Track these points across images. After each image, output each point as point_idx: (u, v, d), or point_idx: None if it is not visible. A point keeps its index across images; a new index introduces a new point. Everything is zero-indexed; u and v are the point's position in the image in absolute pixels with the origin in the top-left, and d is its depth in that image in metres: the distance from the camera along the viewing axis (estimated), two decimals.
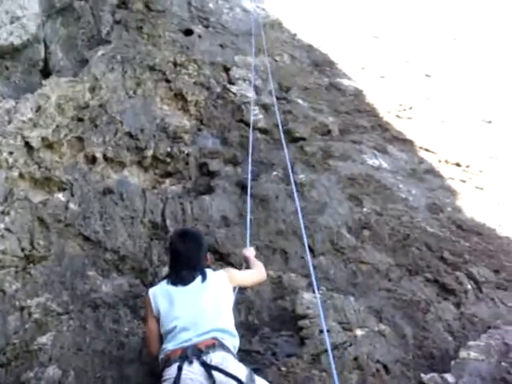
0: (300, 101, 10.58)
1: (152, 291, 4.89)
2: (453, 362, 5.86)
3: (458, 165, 9.67)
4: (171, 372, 4.27)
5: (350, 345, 5.81)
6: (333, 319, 6.00)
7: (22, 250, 6.19)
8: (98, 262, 6.51)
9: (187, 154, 8.46)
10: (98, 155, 7.83)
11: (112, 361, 5.34)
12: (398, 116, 10.79)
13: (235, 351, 4.62)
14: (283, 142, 8.42)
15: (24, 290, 5.82)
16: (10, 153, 7.11)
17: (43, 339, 5.32)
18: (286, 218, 7.55)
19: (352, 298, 6.49)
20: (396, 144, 9.97)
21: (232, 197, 7.97)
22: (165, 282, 4.94)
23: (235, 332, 4.73)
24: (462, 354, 5.94)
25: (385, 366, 5.72)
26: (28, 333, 5.41)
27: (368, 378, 5.56)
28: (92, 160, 7.80)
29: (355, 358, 5.69)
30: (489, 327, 6.39)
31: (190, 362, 4.26)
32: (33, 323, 5.50)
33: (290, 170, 7.75)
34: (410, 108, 11.18)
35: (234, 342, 4.65)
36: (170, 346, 4.50)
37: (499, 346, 6.01)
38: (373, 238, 7.62)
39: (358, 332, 5.99)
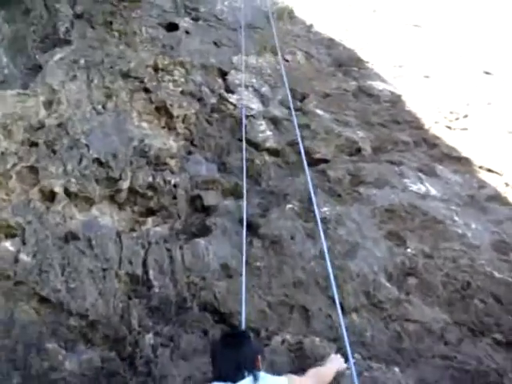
0: (320, 111, 10.58)
1: None
2: None
3: None
4: None
5: None
6: None
7: None
8: (60, 331, 6.47)
9: (174, 185, 8.46)
10: (58, 190, 7.83)
11: None
12: (449, 127, 10.76)
13: None
14: (304, 162, 8.37)
15: None
16: None
17: None
18: (306, 265, 7.49)
19: (397, 369, 6.44)
20: (448, 164, 9.93)
21: (234, 239, 7.93)
22: None
23: None
24: None
25: None
26: None
27: None
28: (50, 197, 7.79)
29: None
30: None
31: None
32: None
33: (313, 200, 7.72)
34: (465, 116, 11.15)
35: None
36: None
37: None
38: (421, 288, 7.55)
39: None
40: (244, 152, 8.78)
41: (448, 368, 6.66)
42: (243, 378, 4.81)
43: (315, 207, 7.58)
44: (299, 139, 9.02)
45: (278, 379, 5.04)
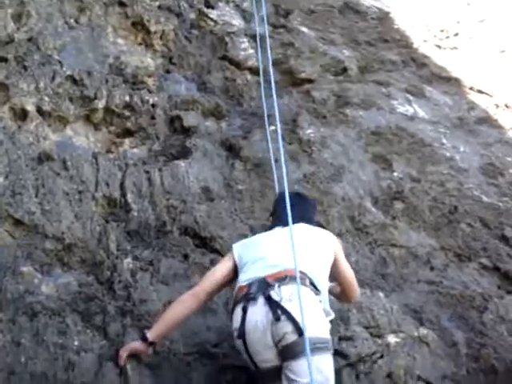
0: (304, 29, 10.60)
1: (238, 242, 5.93)
2: None
3: None
4: (236, 314, 5.15)
5: (382, 356, 5.89)
6: (357, 322, 6.05)
7: None
8: (35, 254, 6.48)
9: (153, 105, 8.47)
10: (30, 108, 7.77)
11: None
12: (438, 46, 10.82)
13: (320, 300, 5.23)
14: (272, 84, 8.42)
15: None
16: None
17: None
18: (291, 187, 7.54)
19: (382, 294, 6.57)
20: (437, 84, 10.01)
21: (215, 161, 8.01)
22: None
23: (323, 291, 5.32)
24: None
25: None
26: None
27: None
28: (21, 115, 7.74)
29: (388, 375, 5.78)
30: None
31: (254, 300, 5.03)
32: None
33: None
34: (456, 35, 11.20)
35: (317, 293, 5.23)
36: (240, 279, 5.40)
37: None
38: (407, 213, 7.68)
39: (392, 339, 6.07)
40: None
41: (433, 293, 6.81)
42: (300, 222, 5.76)
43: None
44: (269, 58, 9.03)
45: (324, 230, 6.03)
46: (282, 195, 6.29)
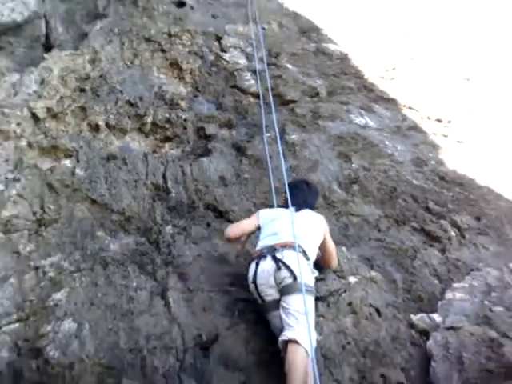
0: (289, 66, 10.57)
1: (264, 209, 6.26)
2: (439, 303, 5.97)
3: (439, 121, 9.69)
4: (251, 267, 5.46)
5: (345, 291, 5.90)
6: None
7: (34, 214, 6.24)
8: (106, 223, 6.56)
9: (185, 120, 8.45)
10: (101, 123, 7.86)
11: (123, 314, 5.41)
12: (381, 77, 10.77)
13: (308, 261, 5.53)
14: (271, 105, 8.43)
15: (38, 251, 5.88)
16: (18, 124, 7.17)
17: (58, 295, 5.38)
18: (281, 177, 7.55)
19: (344, 248, 6.57)
20: (381, 103, 9.98)
21: (228, 158, 8.01)
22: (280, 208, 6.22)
23: (310, 256, 5.61)
24: (448, 295, 6.06)
25: (377, 310, 5.82)
26: (44, 290, 5.47)
27: (361, 321, 5.66)
28: (95, 128, 7.82)
29: (349, 304, 5.78)
30: (472, 270, 6.50)
31: (265, 257, 5.40)
32: (47, 281, 5.56)
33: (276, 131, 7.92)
34: (393, 69, 11.15)
35: (307, 258, 5.54)
36: (258, 245, 5.68)
37: (482, 287, 6.13)
38: (362, 192, 7.67)
39: (352, 279, 6.08)
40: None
41: (380, 247, 6.82)
42: (305, 208, 6.03)
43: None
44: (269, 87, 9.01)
45: (320, 216, 6.09)
46: (295, 183, 6.63)
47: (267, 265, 5.33)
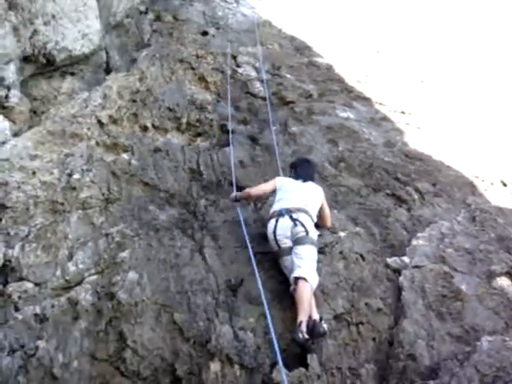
0: (288, 75, 10.57)
1: (281, 178, 6.40)
2: (407, 249, 6.05)
3: (403, 112, 9.74)
4: (272, 222, 5.60)
5: (337, 243, 5.96)
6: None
7: (103, 194, 6.30)
8: (155, 200, 6.59)
9: (211, 119, 8.48)
10: (149, 125, 7.93)
11: (172, 266, 5.47)
12: (358, 81, 10.78)
13: (313, 223, 5.70)
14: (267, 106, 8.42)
15: (107, 222, 5.94)
16: (88, 128, 7.26)
17: (123, 254, 5.45)
18: (285, 159, 7.61)
19: (335, 211, 6.63)
20: (358, 101, 9.98)
21: (245, 147, 8.04)
22: (291, 178, 6.30)
23: (314, 219, 5.79)
24: (413, 242, 6.13)
25: (361, 256, 5.88)
26: (113, 251, 5.54)
27: (350, 265, 5.73)
28: (144, 129, 7.87)
29: (340, 252, 5.84)
30: (430, 223, 6.55)
31: (283, 216, 5.55)
32: (115, 244, 5.62)
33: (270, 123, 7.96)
34: (367, 75, 11.17)
35: (312, 220, 5.71)
36: (275, 207, 5.79)
37: (437, 235, 6.20)
38: (347, 168, 7.69)
39: (342, 234, 6.13)
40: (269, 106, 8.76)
41: (362, 209, 6.86)
42: (308, 181, 6.19)
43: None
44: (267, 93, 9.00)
45: (318, 187, 6.26)
46: (300, 160, 6.80)
47: (286, 221, 5.50)
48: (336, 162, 7.82)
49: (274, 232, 5.50)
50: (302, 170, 6.38)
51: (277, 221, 5.54)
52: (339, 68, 11.21)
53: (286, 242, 5.43)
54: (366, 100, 10.04)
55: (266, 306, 4.73)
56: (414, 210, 6.91)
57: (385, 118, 9.40)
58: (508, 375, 4.22)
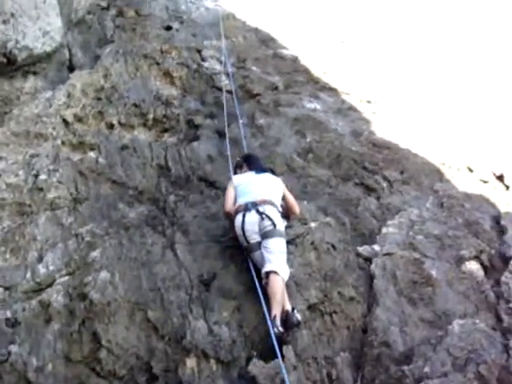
0: (254, 68, 10.53)
1: (235, 176, 6.24)
2: (378, 237, 6.13)
3: (369, 102, 9.77)
4: (238, 218, 5.50)
5: (308, 234, 5.98)
6: (294, 218, 6.14)
7: (71, 194, 6.25)
8: (124, 197, 6.56)
9: (178, 114, 8.44)
10: (115, 122, 7.84)
11: (143, 263, 5.46)
12: (324, 72, 10.78)
13: (280, 213, 5.62)
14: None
15: (76, 222, 5.90)
16: (53, 128, 7.17)
17: (94, 254, 5.42)
18: (253, 150, 7.61)
19: (305, 202, 6.64)
20: (325, 92, 10.00)
21: (213, 141, 8.02)
22: (246, 173, 6.21)
23: (280, 209, 5.71)
24: (383, 230, 6.21)
25: (332, 246, 5.92)
26: (83, 251, 5.51)
27: (321, 255, 5.76)
28: (111, 126, 7.79)
29: (312, 243, 5.87)
30: (399, 210, 6.63)
31: (250, 210, 5.46)
32: (85, 244, 5.59)
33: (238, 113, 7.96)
34: (332, 66, 11.17)
35: (278, 211, 5.63)
36: (240, 201, 5.68)
37: (407, 222, 6.29)
38: (315, 159, 7.72)
39: (312, 224, 6.14)
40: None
41: (332, 199, 6.91)
42: (264, 173, 6.10)
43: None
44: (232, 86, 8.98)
45: (275, 176, 6.18)
46: (247, 156, 6.76)
47: (252, 216, 5.42)
48: (304, 154, 7.84)
49: (243, 228, 5.44)
50: (253, 163, 6.36)
51: (244, 216, 5.47)
52: (304, 59, 11.21)
53: (255, 238, 5.40)
54: (332, 90, 10.07)
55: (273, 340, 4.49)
56: (383, 198, 6.98)
57: (351, 108, 9.45)
58: (479, 357, 4.31)
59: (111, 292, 5.03)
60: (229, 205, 5.83)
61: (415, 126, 8.87)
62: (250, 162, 6.38)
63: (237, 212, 5.60)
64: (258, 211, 5.45)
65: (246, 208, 5.52)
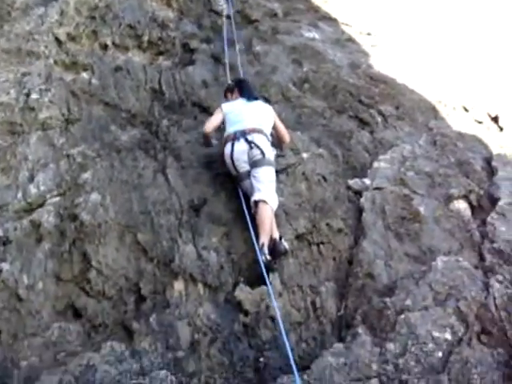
0: None
1: (225, 104, 5.96)
2: (369, 171, 6.13)
3: (368, 34, 9.60)
4: (228, 147, 5.47)
5: (299, 164, 5.99)
6: (287, 148, 6.13)
7: (63, 115, 6.19)
8: (117, 120, 6.52)
9: (173, 37, 8.26)
10: (109, 43, 7.65)
11: (134, 187, 5.49)
12: (325, 1, 10.53)
13: (269, 142, 5.61)
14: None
15: (68, 143, 5.88)
16: (45, 46, 7.02)
17: (85, 175, 5.43)
18: (249, 79, 7.49)
19: (299, 133, 6.60)
20: (324, 21, 9.80)
21: (208, 66, 7.90)
22: (237, 100, 6.00)
23: (269, 138, 5.68)
24: (375, 164, 6.20)
25: (323, 177, 5.94)
26: (75, 172, 5.51)
27: (312, 186, 5.79)
28: (104, 47, 7.61)
29: (303, 173, 5.89)
30: (392, 146, 6.61)
31: (238, 140, 5.43)
32: (77, 165, 5.59)
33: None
34: None
35: (268, 140, 5.60)
36: (229, 130, 5.60)
37: (399, 158, 6.28)
38: (311, 89, 7.64)
39: (304, 155, 6.14)
40: None
41: (325, 131, 6.87)
42: (255, 100, 5.95)
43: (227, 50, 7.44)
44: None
45: (266, 104, 6.10)
46: (239, 81, 6.59)
47: (241, 145, 5.39)
48: (300, 83, 7.75)
49: (232, 157, 5.43)
50: (245, 89, 6.16)
51: (232, 145, 5.44)
52: None
53: (244, 166, 5.39)
54: (331, 20, 9.87)
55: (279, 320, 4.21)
56: (377, 132, 6.95)
57: (350, 40, 9.29)
58: (459, 293, 4.40)
59: (102, 214, 5.07)
60: (210, 126, 5.81)
61: (414, 61, 8.74)
62: (241, 88, 6.19)
63: (226, 141, 5.56)
64: (246, 140, 5.41)
65: (235, 137, 5.46)
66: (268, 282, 4.48)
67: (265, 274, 4.51)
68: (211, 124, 5.79)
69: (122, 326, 4.53)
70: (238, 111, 5.74)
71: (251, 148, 5.37)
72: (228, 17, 9.07)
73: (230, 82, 6.74)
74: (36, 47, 6.96)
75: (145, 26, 8.19)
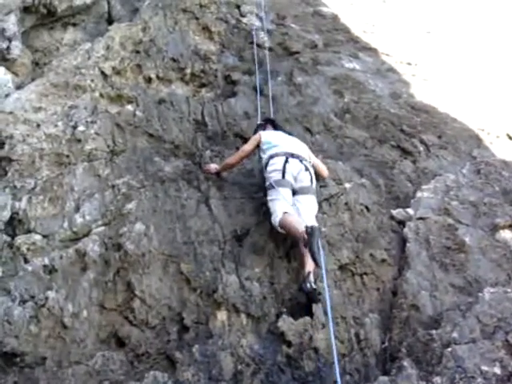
0: (293, 25, 10.35)
1: (264, 132, 6.09)
2: (412, 201, 6.05)
3: (409, 64, 9.57)
4: (279, 160, 5.42)
5: (342, 194, 5.96)
6: (329, 178, 6.11)
7: (108, 146, 6.32)
8: (160, 151, 6.59)
9: (215, 70, 8.39)
10: (153, 76, 7.82)
11: (178, 217, 5.53)
12: (364, 31, 10.56)
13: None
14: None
15: (113, 174, 5.98)
16: (92, 80, 7.19)
17: (130, 205, 5.50)
18: (290, 110, 7.57)
19: (340, 162, 6.59)
20: (364, 52, 9.81)
21: (250, 97, 7.93)
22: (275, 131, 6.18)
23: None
24: (418, 194, 6.13)
25: (366, 207, 5.90)
26: (119, 202, 5.59)
27: (355, 216, 5.75)
28: (148, 80, 7.78)
29: (346, 203, 5.85)
30: (435, 175, 6.53)
31: (293, 157, 5.43)
32: (121, 196, 5.66)
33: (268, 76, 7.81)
34: (373, 25, 10.92)
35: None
36: (273, 150, 5.57)
37: (442, 188, 6.20)
38: (352, 120, 7.62)
39: (347, 185, 6.11)
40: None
41: (367, 161, 6.82)
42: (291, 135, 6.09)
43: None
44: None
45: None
46: (270, 119, 6.78)
47: (297, 163, 5.42)
48: (341, 114, 7.74)
49: (284, 167, 5.36)
50: (278, 126, 6.39)
51: (286, 159, 5.39)
52: (345, 18, 10.97)
53: (291, 179, 5.35)
54: (372, 51, 9.87)
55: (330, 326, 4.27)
56: (420, 162, 6.88)
57: (391, 69, 9.26)
58: (509, 325, 4.28)
59: (146, 243, 5.11)
60: (235, 156, 5.98)
61: (455, 90, 8.67)
62: (274, 124, 6.37)
63: (273, 157, 5.51)
64: (301, 161, 5.43)
65: (288, 154, 5.47)
66: (324, 271, 4.51)
67: (323, 266, 4.53)
68: (240, 153, 5.98)
69: (165, 356, 4.52)
70: (279, 139, 5.80)
71: (306, 169, 5.42)
72: (270, 49, 9.15)
73: (259, 122, 6.80)
74: (83, 81, 7.15)
75: (187, 58, 8.34)
